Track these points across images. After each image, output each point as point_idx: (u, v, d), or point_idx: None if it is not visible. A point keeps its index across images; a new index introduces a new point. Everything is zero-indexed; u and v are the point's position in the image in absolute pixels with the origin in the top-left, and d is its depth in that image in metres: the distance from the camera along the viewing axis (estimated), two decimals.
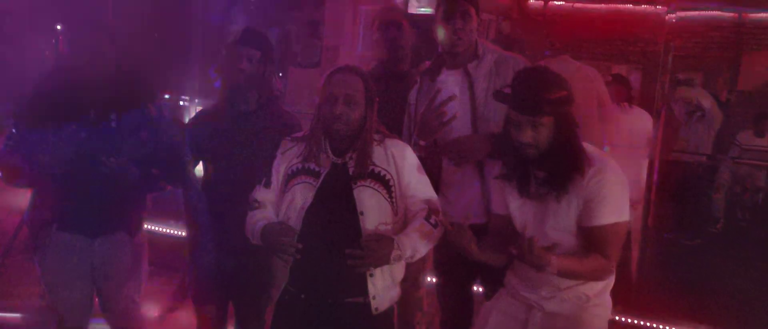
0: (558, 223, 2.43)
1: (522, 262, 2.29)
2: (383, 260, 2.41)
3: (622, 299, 4.48)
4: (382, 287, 2.53)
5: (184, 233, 3.28)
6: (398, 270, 2.61)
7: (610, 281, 2.55)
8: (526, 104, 2.33)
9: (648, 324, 4.48)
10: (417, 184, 2.60)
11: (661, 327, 4.46)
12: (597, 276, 2.47)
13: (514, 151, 2.44)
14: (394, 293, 2.61)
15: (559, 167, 2.39)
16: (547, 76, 2.37)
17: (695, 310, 4.61)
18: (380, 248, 2.40)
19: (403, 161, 2.57)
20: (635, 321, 4.50)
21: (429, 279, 3.68)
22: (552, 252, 2.28)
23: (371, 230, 2.46)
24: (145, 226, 3.24)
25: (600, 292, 2.52)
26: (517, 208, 2.54)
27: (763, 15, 6.82)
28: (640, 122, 5.18)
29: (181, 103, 5.92)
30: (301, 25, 7.56)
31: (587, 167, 2.38)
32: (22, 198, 3.28)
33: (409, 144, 2.77)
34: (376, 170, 2.52)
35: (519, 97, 2.36)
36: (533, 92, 2.33)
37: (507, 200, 2.59)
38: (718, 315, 4.58)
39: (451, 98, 2.95)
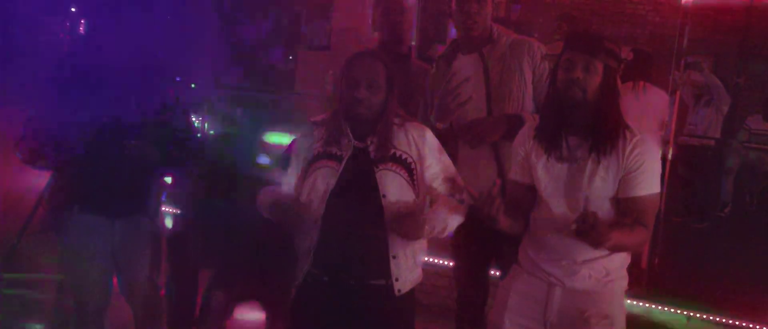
0: (594, 190, 2.42)
1: (580, 238, 2.25)
2: (417, 234, 2.44)
3: (630, 282, 4.50)
4: (405, 268, 2.55)
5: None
6: (420, 252, 2.63)
7: (628, 257, 2.56)
8: (584, 43, 2.39)
9: (657, 307, 4.51)
10: (439, 164, 2.63)
11: (669, 310, 4.49)
12: (638, 247, 2.53)
13: (554, 100, 2.46)
14: (416, 274, 2.63)
15: (602, 124, 2.40)
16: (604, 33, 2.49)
17: (701, 293, 4.64)
18: (414, 221, 2.43)
19: (424, 144, 2.59)
20: (644, 304, 4.53)
21: (445, 261, 3.72)
22: (613, 228, 2.27)
23: (391, 214, 2.47)
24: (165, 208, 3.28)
25: (619, 266, 2.52)
26: (546, 172, 2.51)
27: None
28: (654, 105, 5.14)
29: (193, 86, 5.90)
30: (310, 7, 7.55)
31: (629, 134, 2.42)
32: (38, 179, 3.31)
33: None
34: (398, 153, 2.54)
35: (578, 36, 2.45)
36: (592, 34, 2.45)
37: (533, 165, 2.56)
38: (724, 298, 4.60)
39: (466, 81, 2.98)
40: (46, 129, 2.89)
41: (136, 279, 3.12)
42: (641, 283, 4.69)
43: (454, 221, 2.57)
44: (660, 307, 4.52)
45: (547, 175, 2.52)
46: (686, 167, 7.03)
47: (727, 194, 7.23)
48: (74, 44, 3.18)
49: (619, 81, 2.47)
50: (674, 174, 6.68)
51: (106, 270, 3.08)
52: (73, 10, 3.64)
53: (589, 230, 2.20)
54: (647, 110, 5.04)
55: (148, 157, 2.94)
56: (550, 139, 2.50)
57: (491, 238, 2.97)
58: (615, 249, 2.40)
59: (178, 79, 5.93)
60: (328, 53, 6.59)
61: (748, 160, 7.21)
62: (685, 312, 4.50)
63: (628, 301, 4.38)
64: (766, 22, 6.94)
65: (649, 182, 2.42)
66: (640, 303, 4.53)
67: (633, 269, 2.61)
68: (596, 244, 2.28)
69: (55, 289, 3.83)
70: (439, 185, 2.62)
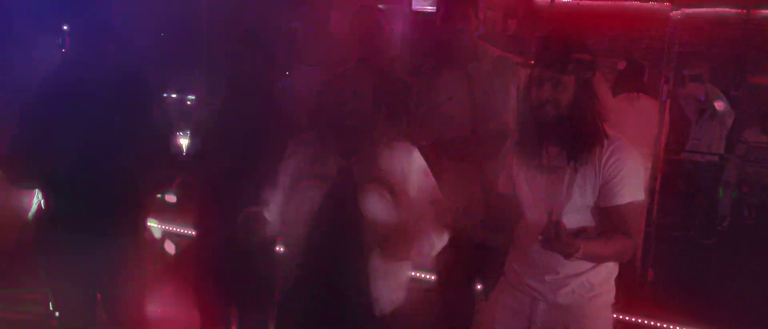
0: (573, 200, 2.39)
1: (546, 248, 2.22)
2: (404, 254, 2.41)
3: (626, 296, 4.49)
4: (386, 290, 2.53)
5: (189, 232, 3.30)
6: (403, 273, 2.61)
7: (615, 269, 2.53)
8: (551, 60, 2.35)
9: (653, 323, 4.47)
10: (424, 186, 2.60)
11: (665, 326, 4.45)
12: (622, 256, 2.44)
13: (530, 115, 2.43)
14: (399, 295, 2.60)
15: (578, 135, 2.37)
16: (573, 38, 2.41)
17: (699, 308, 4.61)
18: (405, 241, 2.39)
19: (410, 165, 2.57)
20: (640, 320, 4.50)
21: (430, 277, 3.71)
22: (579, 237, 2.24)
23: (375, 234, 2.45)
24: (150, 225, 3.27)
25: (604, 280, 2.49)
26: (527, 182, 2.49)
27: None
28: (648, 115, 5.14)
29: (189, 103, 5.95)
30: (308, 22, 7.58)
31: (606, 142, 2.38)
32: (28, 198, 3.31)
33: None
34: (382, 174, 2.52)
35: (544, 53, 2.38)
36: (559, 49, 2.36)
37: (514, 174, 2.55)
38: (722, 314, 4.57)
39: (450, 98, 2.98)
40: (29, 148, 2.90)
41: (119, 298, 3.11)
42: (637, 297, 4.65)
43: (440, 244, 2.54)
44: (658, 323, 4.48)
45: (527, 185, 2.50)
46: (689, 183, 7.01)
47: (726, 208, 7.19)
48: (61, 62, 3.16)
49: (595, 87, 2.44)
50: (674, 189, 6.66)
51: (90, 288, 3.08)
52: (65, 28, 3.65)
53: (553, 240, 2.17)
54: (641, 120, 5.05)
55: (131, 174, 2.93)
56: (530, 149, 2.48)
57: (475, 252, 2.97)
58: (592, 259, 2.37)
59: (173, 95, 5.98)
60: (326, 69, 6.59)
61: (746, 173, 7.17)
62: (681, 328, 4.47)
63: (624, 317, 4.36)
64: (763, 35, 6.95)
65: (630, 190, 2.37)
66: (637, 319, 4.49)
67: (629, 283, 2.59)
68: (565, 255, 2.23)
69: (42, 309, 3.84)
70: (423, 207, 2.58)
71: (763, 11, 6.77)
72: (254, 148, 2.97)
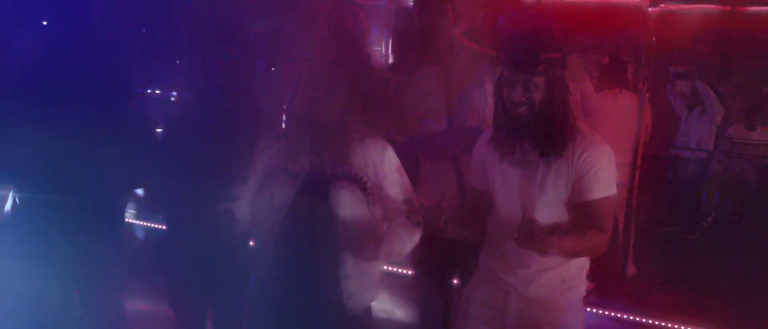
0: (546, 195, 2.40)
1: (521, 246, 2.22)
2: (374, 254, 2.39)
3: (610, 291, 4.51)
4: (358, 288, 2.52)
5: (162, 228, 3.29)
6: (375, 271, 2.60)
7: (586, 263, 2.54)
8: (520, 62, 2.33)
9: (637, 319, 4.49)
10: (396, 184, 2.58)
11: (649, 321, 4.46)
12: (596, 251, 2.45)
13: (504, 114, 2.42)
14: (372, 293, 2.60)
15: (551, 131, 2.37)
16: (542, 36, 2.39)
17: (685, 303, 4.63)
18: (372, 241, 2.37)
19: (383, 162, 2.55)
20: (623, 316, 4.51)
21: (408, 272, 3.71)
22: (554, 234, 2.25)
23: (346, 232, 2.44)
24: (128, 220, 3.26)
25: (576, 273, 2.51)
26: (501, 177, 2.49)
27: (754, 8, 6.84)
28: (629, 109, 5.17)
29: (172, 98, 5.93)
30: (294, 18, 7.55)
31: (579, 137, 2.39)
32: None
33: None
34: (354, 171, 2.50)
35: (513, 55, 2.37)
36: (528, 51, 2.34)
37: (488, 170, 2.55)
38: (704, 308, 4.59)
39: (427, 94, 2.98)
40: (4, 141, 2.88)
41: (97, 293, 3.11)
42: (620, 293, 4.67)
43: (411, 243, 2.52)
44: (642, 319, 4.50)
45: (501, 180, 2.50)
46: (676, 178, 7.04)
47: (710, 203, 7.22)
48: (39, 56, 3.15)
49: (567, 83, 2.43)
50: (660, 185, 6.67)
51: (67, 284, 3.07)
52: (44, 22, 3.63)
53: (527, 238, 2.18)
54: (623, 115, 5.10)
55: (107, 170, 2.92)
56: (504, 144, 2.48)
57: (451, 247, 2.96)
58: (566, 254, 2.38)
59: (157, 91, 5.96)
60: (311, 65, 6.57)
61: (730, 169, 7.20)
62: (664, 323, 4.49)
63: (608, 313, 4.37)
64: (748, 31, 6.97)
65: (603, 185, 2.39)
66: (620, 315, 4.50)
67: (611, 279, 2.59)
68: (540, 252, 2.25)
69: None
70: (394, 205, 2.56)
71: (747, 7, 6.80)
72: (228, 144, 2.95)
